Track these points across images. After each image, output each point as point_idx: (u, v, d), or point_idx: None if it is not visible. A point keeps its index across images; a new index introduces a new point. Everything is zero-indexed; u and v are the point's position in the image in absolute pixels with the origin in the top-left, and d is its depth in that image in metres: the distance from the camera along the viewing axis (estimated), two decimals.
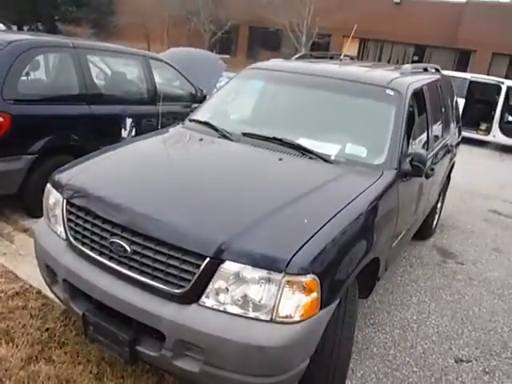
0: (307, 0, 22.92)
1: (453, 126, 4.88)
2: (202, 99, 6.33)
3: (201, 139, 2.93)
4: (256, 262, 1.83)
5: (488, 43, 20.81)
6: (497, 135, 10.80)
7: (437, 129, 3.91)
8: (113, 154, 2.71)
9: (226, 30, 26.21)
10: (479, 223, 5.64)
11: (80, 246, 2.21)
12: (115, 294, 2.04)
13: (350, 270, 2.12)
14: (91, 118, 4.61)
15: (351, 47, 25.61)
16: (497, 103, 10.72)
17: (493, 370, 2.89)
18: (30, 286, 3.00)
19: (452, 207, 6.01)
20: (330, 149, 2.80)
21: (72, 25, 27.50)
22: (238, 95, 3.65)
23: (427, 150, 3.47)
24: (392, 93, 3.07)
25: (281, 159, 2.64)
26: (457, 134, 5.20)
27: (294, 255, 1.83)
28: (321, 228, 2.00)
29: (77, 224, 2.24)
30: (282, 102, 3.44)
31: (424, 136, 3.49)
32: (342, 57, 3.95)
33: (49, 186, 2.50)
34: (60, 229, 2.35)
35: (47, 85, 4.61)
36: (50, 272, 2.38)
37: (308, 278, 1.83)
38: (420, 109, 3.43)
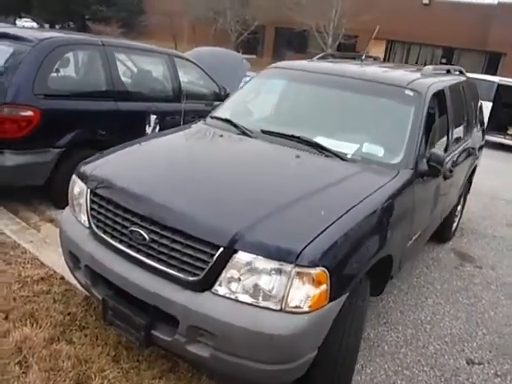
0: (334, 1, 22.88)
1: (476, 129, 4.83)
2: (225, 98, 6.45)
3: (221, 135, 3.01)
4: (268, 253, 1.90)
5: None
6: None
7: (458, 131, 3.90)
8: (136, 147, 2.83)
9: (252, 31, 26.36)
10: (501, 228, 5.55)
11: (102, 234, 2.32)
12: (133, 280, 2.14)
13: (361, 265, 2.16)
14: (117, 114, 4.75)
15: (378, 48, 25.40)
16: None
17: (505, 373, 2.87)
18: (55, 272, 3.14)
19: (473, 211, 5.94)
20: (348, 147, 2.85)
21: (102, 24, 28.14)
22: (259, 94, 3.73)
23: (446, 151, 3.46)
24: (411, 93, 3.09)
25: (298, 156, 2.70)
26: (480, 137, 5.15)
27: (304, 247, 1.89)
28: (333, 222, 2.05)
29: (99, 213, 2.35)
30: (301, 101, 3.50)
31: (444, 138, 3.49)
32: (363, 57, 3.97)
33: (74, 176, 2.62)
34: (84, 217, 2.47)
35: (76, 81, 4.78)
36: (73, 258, 2.50)
37: (317, 271, 1.89)
38: (441, 110, 3.43)
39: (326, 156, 2.75)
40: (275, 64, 3.83)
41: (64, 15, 26.21)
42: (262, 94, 3.73)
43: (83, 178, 2.52)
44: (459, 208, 4.94)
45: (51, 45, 4.27)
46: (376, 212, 2.31)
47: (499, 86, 11.08)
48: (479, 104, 5.17)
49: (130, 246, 2.20)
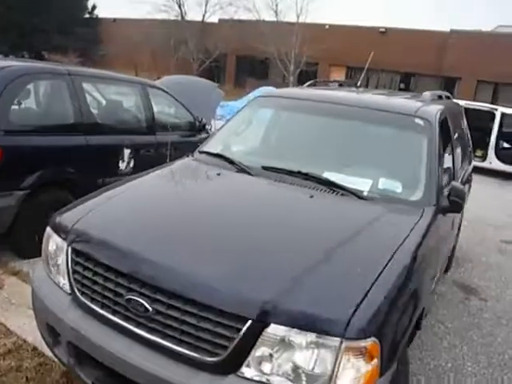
0: (295, 29, 23.31)
1: (468, 153, 4.71)
2: (201, 128, 6.11)
3: (218, 174, 2.65)
4: (307, 324, 1.54)
5: (472, 71, 21.21)
6: (493, 162, 10.75)
7: (459, 158, 3.72)
8: (123, 192, 2.41)
9: (215, 59, 26.37)
10: (494, 255, 5.41)
11: (89, 303, 1.90)
12: (132, 360, 1.72)
13: (407, 326, 1.84)
14: (87, 150, 4.31)
15: (338, 74, 25.95)
16: (491, 130, 10.72)
17: None
18: (25, 341, 2.63)
19: (464, 238, 5.79)
20: (361, 183, 2.56)
21: (58, 54, 27.41)
22: (251, 125, 3.41)
23: (453, 180, 3.25)
24: (422, 122, 2.86)
25: (312, 196, 2.37)
26: (472, 161, 5.04)
27: (351, 316, 1.55)
28: (375, 280, 1.72)
29: (85, 276, 1.93)
30: (301, 132, 3.20)
31: (450, 166, 3.28)
32: (358, 84, 3.76)
33: (49, 229, 2.19)
34: (63, 281, 2.03)
35: (40, 114, 4.32)
36: (51, 332, 2.04)
37: (369, 342, 1.54)
38: (446, 138, 3.23)
39: (342, 195, 2.44)
40: (267, 92, 3.55)
41: (18, 44, 25.36)
42: (255, 125, 3.42)
43: (61, 232, 2.09)
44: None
45: (12, 74, 3.82)
46: (413, 261, 2.01)
47: (465, 109, 11.29)
48: (466, 127, 5.07)
49: (126, 319, 1.78)
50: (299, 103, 3.21)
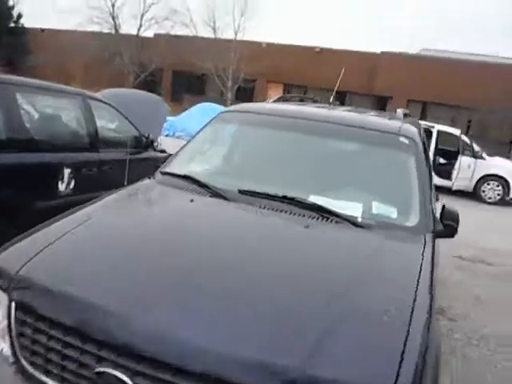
0: (233, 46, 23.32)
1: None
2: (148, 145, 5.65)
3: (192, 200, 2.27)
4: None
5: (402, 91, 22.30)
6: (434, 178, 11.15)
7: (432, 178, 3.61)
8: (82, 226, 1.95)
9: (151, 73, 25.67)
10: (451, 271, 5.42)
11: (41, 377, 1.44)
12: None
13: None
14: (21, 169, 3.74)
15: (276, 91, 26.25)
16: (429, 146, 11.15)
17: None
18: None
19: None
20: (352, 208, 2.29)
21: None
22: (218, 143, 3.07)
23: (435, 202, 3.10)
24: (407, 141, 2.68)
25: (307, 226, 2.06)
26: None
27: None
28: (407, 333, 1.43)
29: (35, 341, 1.47)
30: (276, 151, 2.88)
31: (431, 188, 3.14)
32: (331, 100, 3.56)
33: None
34: (3, 346, 1.56)
35: None
36: None
37: None
38: (426, 158, 3.08)
39: (336, 222, 2.15)
40: (235, 107, 3.23)
41: None
42: (222, 142, 3.08)
43: None
44: None
45: None
46: (431, 300, 1.76)
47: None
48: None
49: None
50: (273, 119, 2.92)
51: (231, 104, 18.59)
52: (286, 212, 2.18)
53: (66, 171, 4.25)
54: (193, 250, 1.81)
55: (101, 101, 5.18)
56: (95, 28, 25.87)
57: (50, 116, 4.48)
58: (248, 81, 24.20)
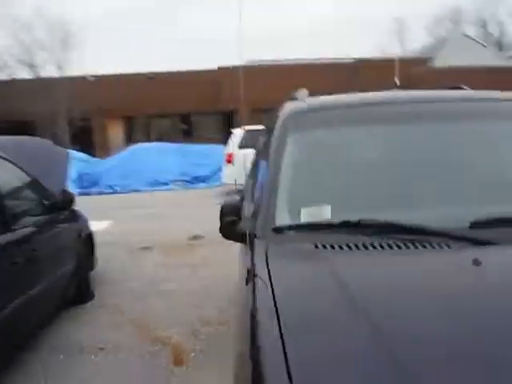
0: (57, 83, 21.14)
1: None
2: (65, 205, 4.27)
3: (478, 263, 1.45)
4: None
5: (246, 101, 22.86)
6: None
7: None
8: None
9: None
10: None
11: None
12: None
13: None
14: None
15: (116, 129, 24.58)
16: None
17: None
18: None
19: None
20: None
21: None
22: (316, 161, 2.16)
23: None
24: None
25: None
26: None
27: None
28: None
29: None
30: (407, 150, 2.17)
31: None
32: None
33: None
34: None
35: None
36: None
37: None
38: None
39: None
40: (296, 106, 2.40)
41: None
42: (320, 158, 2.17)
43: None
44: None
45: None
46: None
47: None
48: None
49: None
50: (378, 110, 2.27)
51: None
52: None
53: None
54: None
55: None
56: None
57: None
58: (86, 119, 22.12)
